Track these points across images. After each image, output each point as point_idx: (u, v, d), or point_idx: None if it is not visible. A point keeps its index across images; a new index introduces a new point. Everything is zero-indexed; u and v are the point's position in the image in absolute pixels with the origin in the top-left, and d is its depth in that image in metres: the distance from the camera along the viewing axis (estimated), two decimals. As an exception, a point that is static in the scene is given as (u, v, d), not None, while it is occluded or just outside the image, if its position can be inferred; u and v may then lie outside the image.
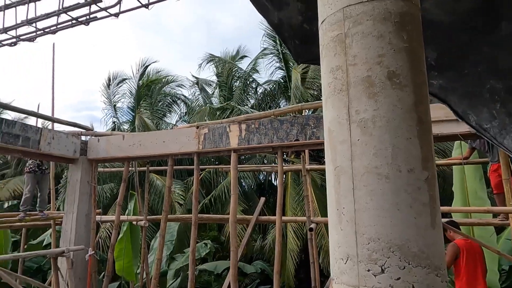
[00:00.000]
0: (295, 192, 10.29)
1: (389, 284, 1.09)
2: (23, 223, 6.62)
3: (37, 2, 2.28)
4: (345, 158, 1.23)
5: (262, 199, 7.04)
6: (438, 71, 2.32)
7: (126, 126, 15.46)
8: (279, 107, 13.90)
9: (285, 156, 11.24)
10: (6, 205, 12.40)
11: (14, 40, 2.45)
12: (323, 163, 12.17)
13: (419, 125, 1.21)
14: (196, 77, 15.90)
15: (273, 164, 9.94)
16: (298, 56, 2.49)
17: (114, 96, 15.91)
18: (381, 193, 1.15)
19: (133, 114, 14.96)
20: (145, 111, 14.39)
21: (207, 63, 15.33)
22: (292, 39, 2.41)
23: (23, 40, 2.46)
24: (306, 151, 6.48)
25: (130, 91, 15.65)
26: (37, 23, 2.35)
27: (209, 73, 16.18)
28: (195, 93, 16.42)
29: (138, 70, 15.47)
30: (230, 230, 5.33)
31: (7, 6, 2.32)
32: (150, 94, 15.49)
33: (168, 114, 16.17)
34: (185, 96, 16.58)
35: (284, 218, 6.03)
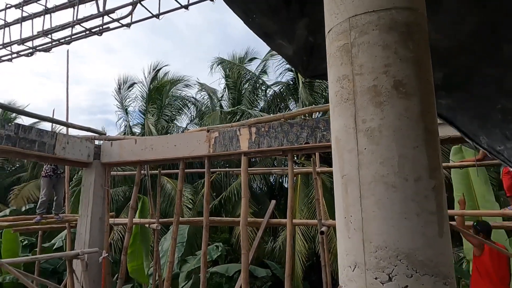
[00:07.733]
0: (304, 194, 10.27)
1: (396, 292, 1.10)
2: (39, 226, 6.78)
3: (52, 14, 2.36)
4: (353, 167, 1.25)
5: (273, 202, 7.05)
6: (445, 91, 2.24)
7: (137, 129, 15.68)
8: (289, 108, 13.89)
9: (295, 158, 11.22)
10: (23, 208, 12.71)
11: (31, 50, 2.54)
12: (334, 165, 12.10)
13: (426, 134, 1.22)
14: (201, 83, 16.01)
15: (284, 167, 9.94)
16: (305, 71, 2.46)
17: (126, 100, 16.15)
18: (388, 202, 1.16)
19: (144, 117, 15.17)
20: (151, 116, 14.51)
21: (217, 65, 15.43)
22: (298, 54, 2.36)
23: (39, 50, 2.55)
24: (317, 153, 6.46)
25: (142, 95, 15.86)
26: (53, 34, 2.44)
27: (220, 76, 16.16)
28: (203, 96, 16.56)
29: (149, 73, 15.65)
30: (241, 233, 5.36)
31: (24, 18, 2.41)
32: (161, 98, 15.65)
33: (179, 117, 16.32)
34: (195, 99, 16.72)
35: (295, 221, 6.03)
